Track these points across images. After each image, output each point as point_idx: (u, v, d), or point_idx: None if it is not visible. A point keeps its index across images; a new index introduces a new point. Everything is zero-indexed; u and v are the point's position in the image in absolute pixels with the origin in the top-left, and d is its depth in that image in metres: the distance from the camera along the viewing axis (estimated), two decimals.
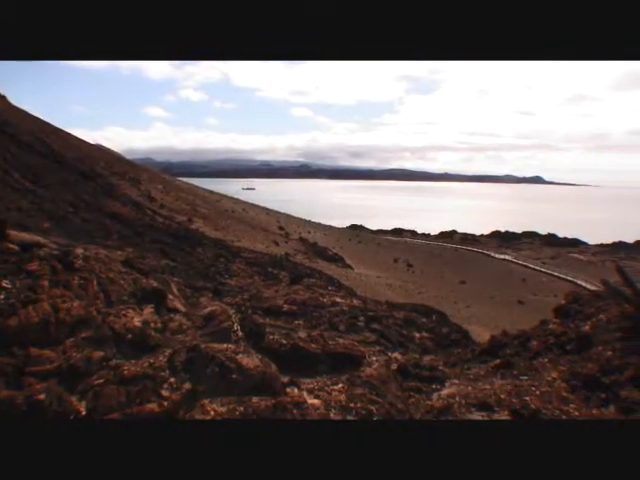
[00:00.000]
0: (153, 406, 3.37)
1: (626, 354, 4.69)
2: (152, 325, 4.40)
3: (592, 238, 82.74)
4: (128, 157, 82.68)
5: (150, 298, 4.84)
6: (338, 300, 10.14)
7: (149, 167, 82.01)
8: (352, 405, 4.00)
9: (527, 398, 4.56)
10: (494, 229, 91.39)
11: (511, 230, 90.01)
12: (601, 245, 78.56)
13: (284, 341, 5.42)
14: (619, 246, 76.70)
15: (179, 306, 5.04)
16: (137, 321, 4.33)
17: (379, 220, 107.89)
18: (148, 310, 4.61)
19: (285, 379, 4.38)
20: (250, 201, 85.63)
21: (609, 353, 4.87)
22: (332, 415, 3.79)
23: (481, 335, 15.37)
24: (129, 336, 4.14)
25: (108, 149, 74.85)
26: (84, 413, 3.30)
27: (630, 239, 78.37)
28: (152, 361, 3.86)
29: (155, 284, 5.15)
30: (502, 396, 4.62)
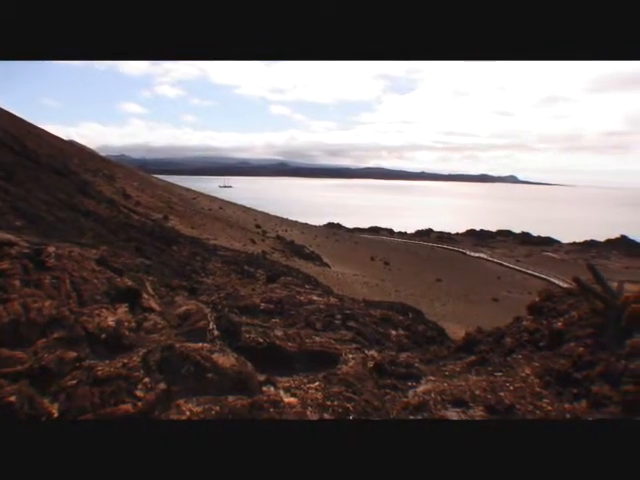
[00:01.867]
0: (127, 407, 3.33)
1: (597, 350, 4.76)
2: (126, 325, 4.35)
3: (565, 237, 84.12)
4: (103, 154, 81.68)
5: (124, 297, 4.78)
6: (315, 298, 10.14)
7: (124, 164, 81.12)
8: (329, 403, 4.01)
9: (501, 394, 4.61)
10: (469, 228, 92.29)
11: (486, 229, 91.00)
12: (574, 244, 79.90)
13: (260, 340, 5.40)
14: (591, 245, 78.13)
15: (154, 305, 4.99)
16: (111, 321, 4.27)
17: (356, 218, 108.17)
18: (122, 309, 4.55)
19: (261, 378, 4.37)
20: (227, 199, 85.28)
21: (581, 349, 4.94)
22: (309, 413, 3.78)
23: (457, 332, 15.50)
24: (103, 336, 4.08)
25: (82, 145, 73.76)
26: (56, 415, 3.24)
27: (601, 238, 79.87)
28: (126, 361, 3.81)
29: (129, 283, 5.08)
30: (477, 392, 4.66)
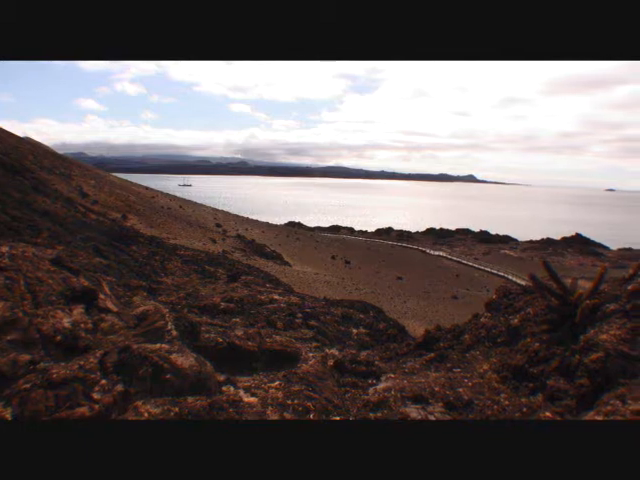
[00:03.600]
0: (83, 410, 3.27)
1: (552, 345, 4.88)
2: (82, 326, 4.26)
3: (522, 235, 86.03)
4: (60, 151, 79.67)
5: (80, 298, 4.68)
6: (276, 297, 10.13)
7: (81, 162, 79.27)
8: (289, 402, 4.00)
9: (460, 389, 4.68)
10: (429, 226, 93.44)
11: (445, 227, 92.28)
12: (530, 242, 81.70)
13: (220, 339, 5.36)
14: (547, 243, 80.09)
15: (111, 306, 4.89)
16: (66, 322, 4.18)
17: (317, 217, 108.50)
18: (78, 310, 4.45)
19: (221, 378, 4.34)
20: (187, 198, 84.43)
21: (536, 344, 5.05)
22: (269, 412, 3.77)
23: (417, 329, 15.71)
24: (58, 338, 3.99)
25: (37, 142, 71.82)
26: (10, 419, 3.16)
27: (557, 236, 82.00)
28: (82, 363, 3.73)
29: (86, 283, 4.98)
30: (436, 388, 4.72)
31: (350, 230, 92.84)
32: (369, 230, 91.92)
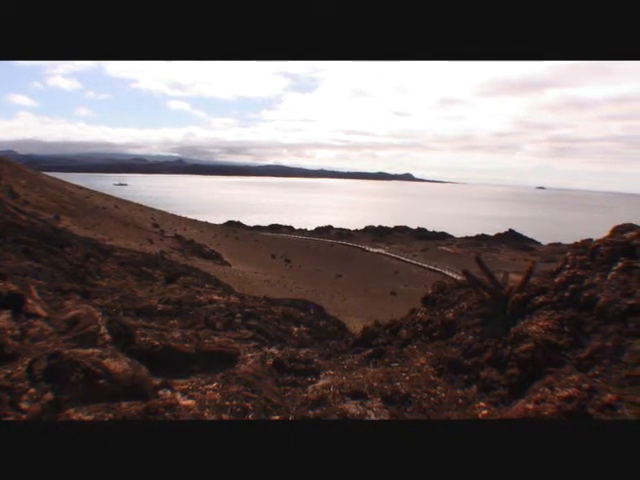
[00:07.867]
0: (10, 420, 3.13)
1: (485, 337, 5.03)
2: (9, 332, 4.07)
3: (458, 231, 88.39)
4: None
5: (6, 303, 4.48)
6: (215, 298, 10.02)
7: (11, 160, 76.00)
8: (227, 403, 3.97)
9: (398, 384, 4.75)
10: (368, 224, 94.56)
11: (384, 225, 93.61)
12: (466, 238, 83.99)
13: (156, 342, 5.25)
14: (482, 239, 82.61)
15: (40, 310, 4.70)
16: None
17: (256, 216, 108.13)
18: (4, 316, 4.25)
19: (157, 381, 4.25)
20: (123, 197, 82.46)
21: (470, 337, 5.19)
22: (206, 414, 3.72)
23: (357, 326, 15.87)
24: None
25: None
26: None
27: (492, 232, 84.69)
28: (9, 372, 3.57)
29: (13, 288, 4.77)
30: (374, 384, 4.77)
31: (290, 229, 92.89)
32: (309, 229, 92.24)
